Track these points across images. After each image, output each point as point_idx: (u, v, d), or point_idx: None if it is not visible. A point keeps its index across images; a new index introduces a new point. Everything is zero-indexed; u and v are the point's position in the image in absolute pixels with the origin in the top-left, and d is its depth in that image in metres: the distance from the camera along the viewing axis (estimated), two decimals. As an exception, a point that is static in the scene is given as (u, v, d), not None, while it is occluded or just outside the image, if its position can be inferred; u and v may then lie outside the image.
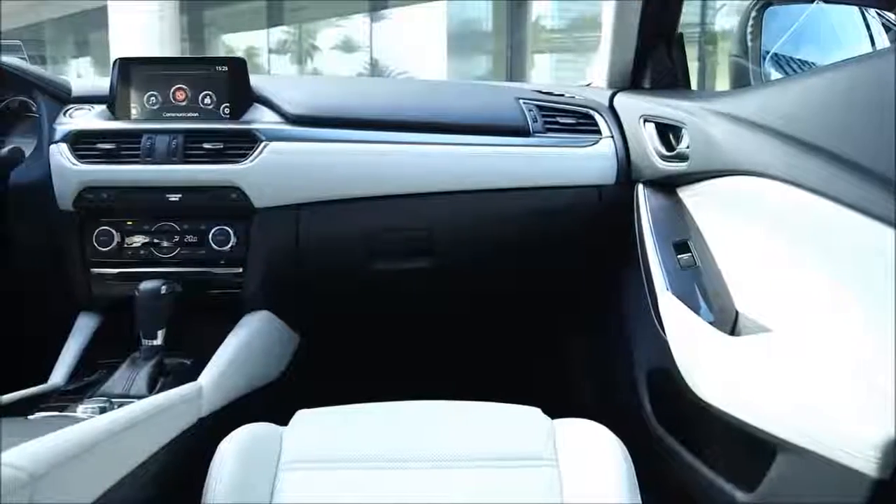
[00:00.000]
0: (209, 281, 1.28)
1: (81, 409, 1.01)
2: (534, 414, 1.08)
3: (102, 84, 1.37)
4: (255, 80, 1.33)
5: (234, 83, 1.32)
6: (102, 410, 1.00)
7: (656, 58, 1.35)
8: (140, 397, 1.08)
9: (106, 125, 1.28)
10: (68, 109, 1.33)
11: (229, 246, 1.27)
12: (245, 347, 1.23)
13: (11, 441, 0.74)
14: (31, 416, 0.99)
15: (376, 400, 1.08)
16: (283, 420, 1.04)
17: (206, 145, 1.25)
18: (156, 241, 1.27)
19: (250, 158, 1.24)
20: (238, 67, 1.32)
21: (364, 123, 1.29)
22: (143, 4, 5.31)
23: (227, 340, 1.22)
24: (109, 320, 1.30)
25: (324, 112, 1.30)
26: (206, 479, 0.92)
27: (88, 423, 0.82)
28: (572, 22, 10.14)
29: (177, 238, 1.27)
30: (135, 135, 1.26)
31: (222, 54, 9.31)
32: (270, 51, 9.53)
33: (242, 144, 1.25)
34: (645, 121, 1.26)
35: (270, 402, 1.27)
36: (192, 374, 1.15)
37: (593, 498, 0.90)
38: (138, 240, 1.27)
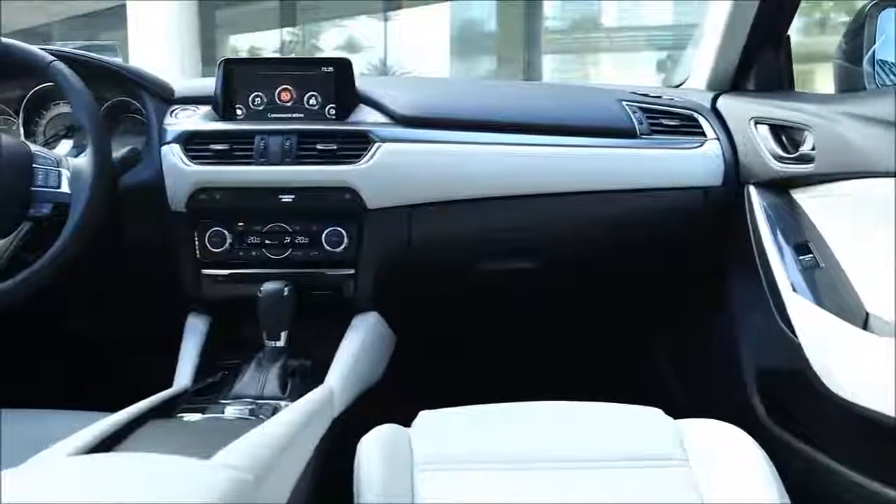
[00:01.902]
0: (321, 282, 1.28)
1: (230, 411, 1.01)
2: (656, 414, 1.08)
3: (204, 85, 1.37)
4: (359, 81, 1.34)
5: (339, 84, 1.32)
6: (252, 412, 1.01)
7: (763, 60, 1.36)
8: (275, 398, 1.08)
9: (218, 126, 1.28)
10: (174, 110, 1.32)
11: (342, 247, 1.26)
12: (361, 349, 1.23)
13: (208, 441, 0.74)
14: (186, 417, 0.99)
15: (479, 400, 1.09)
16: (389, 420, 1.04)
17: (319, 146, 1.24)
18: (267, 242, 1.27)
19: (364, 159, 1.24)
20: (344, 68, 1.32)
21: (473, 125, 1.30)
22: (163, 4, 5.30)
23: (344, 342, 1.22)
24: (218, 321, 1.30)
25: (433, 113, 1.30)
26: (355, 480, 0.92)
27: (274, 423, 0.82)
28: (573, 23, 10.20)
29: (288, 239, 1.27)
30: (248, 136, 1.25)
31: (228, 55, 9.31)
32: (283, 52, 9.53)
33: (356, 145, 1.25)
34: (756, 123, 1.26)
35: (378, 402, 1.28)
36: (316, 375, 1.16)
37: (739, 498, 0.91)
38: (250, 241, 1.27)
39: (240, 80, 1.32)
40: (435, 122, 1.29)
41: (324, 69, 1.32)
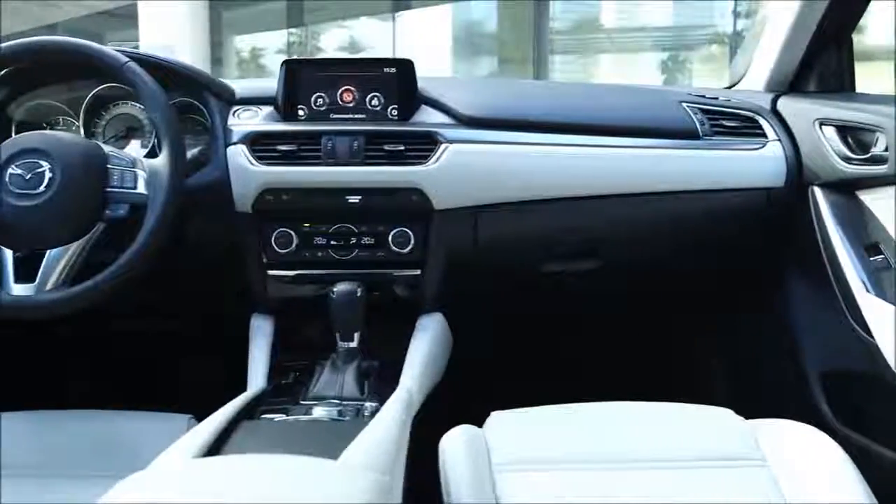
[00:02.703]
0: (388, 283, 1.28)
1: (319, 412, 1.01)
2: (727, 414, 1.09)
3: (263, 85, 1.37)
4: (420, 82, 1.34)
5: (402, 84, 1.32)
6: (340, 413, 1.01)
7: (826, 60, 1.36)
8: (356, 399, 1.08)
9: (285, 126, 1.28)
10: (236, 111, 1.32)
11: (409, 248, 1.26)
12: (431, 349, 1.23)
13: (320, 442, 0.74)
14: (277, 419, 0.99)
15: (541, 399, 1.09)
16: (455, 420, 1.04)
17: (387, 147, 1.24)
18: (333, 243, 1.27)
19: (432, 160, 1.24)
20: (406, 69, 1.32)
21: (538, 125, 1.30)
22: (173, 5, 5.29)
23: (414, 343, 1.23)
24: (282, 322, 1.30)
25: (498, 114, 1.30)
26: (443, 480, 0.93)
27: (381, 425, 0.82)
28: (574, 24, 10.19)
29: (354, 240, 1.27)
30: (315, 136, 1.25)
31: (233, 56, 9.29)
32: (291, 52, 9.52)
33: (423, 146, 1.25)
34: (822, 124, 1.27)
35: (442, 403, 1.28)
36: (389, 376, 1.16)
37: (823, 499, 0.91)
38: (316, 242, 1.27)
39: (301, 81, 1.32)
40: (500, 123, 1.29)
41: (386, 70, 1.32)
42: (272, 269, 1.28)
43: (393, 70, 1.32)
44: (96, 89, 1.34)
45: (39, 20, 7.20)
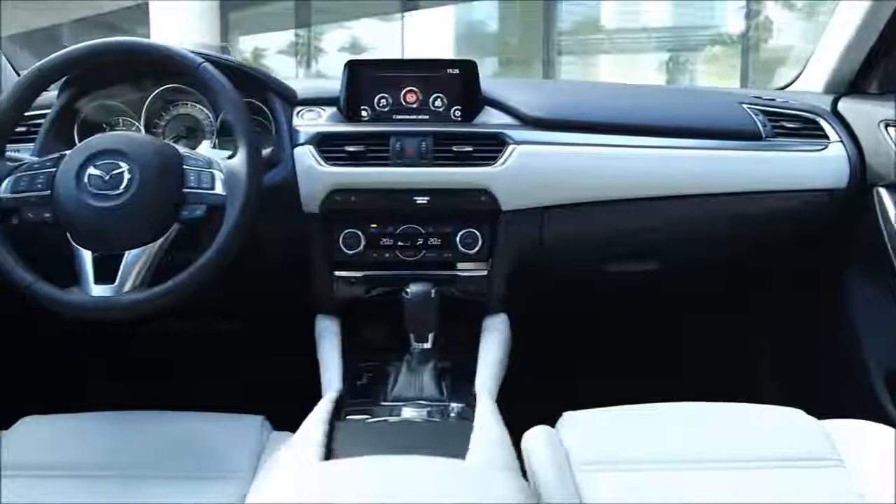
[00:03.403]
0: (454, 283, 1.28)
1: (408, 413, 1.01)
2: (798, 414, 1.09)
3: (324, 86, 1.37)
4: (483, 83, 1.34)
5: (465, 85, 1.32)
6: (430, 414, 1.01)
7: (889, 62, 1.37)
8: (437, 400, 1.08)
9: (353, 127, 1.28)
10: (299, 111, 1.32)
11: (476, 248, 1.26)
12: (500, 350, 1.23)
13: (434, 443, 0.74)
14: (368, 420, 0.99)
15: (599, 399, 1.09)
16: (524, 420, 1.04)
17: (454, 148, 1.24)
18: (399, 243, 1.27)
19: (500, 161, 1.24)
20: (469, 70, 1.32)
21: (604, 127, 1.30)
22: (183, 4, 5.28)
23: (484, 344, 1.23)
24: (347, 323, 1.30)
25: (563, 115, 1.30)
26: (530, 479, 0.93)
27: (488, 426, 0.82)
28: (575, 25, 10.20)
29: (420, 240, 1.27)
30: (383, 137, 1.25)
31: (237, 57, 9.25)
32: (297, 53, 9.51)
33: (491, 147, 1.25)
34: (887, 126, 1.28)
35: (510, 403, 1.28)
36: (461, 376, 1.16)
37: None
38: (383, 243, 1.27)
39: (364, 82, 1.32)
40: (565, 125, 1.29)
41: (449, 71, 1.32)
42: (339, 270, 1.28)
43: (456, 71, 1.32)
44: (158, 90, 1.34)
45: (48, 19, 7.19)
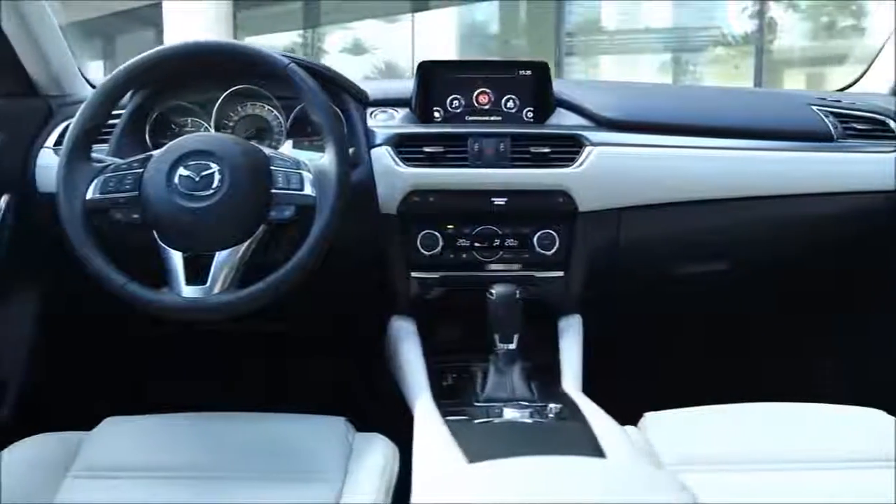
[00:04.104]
0: (531, 284, 1.28)
1: (511, 413, 1.01)
2: (879, 415, 1.10)
3: (394, 87, 1.38)
4: (555, 85, 1.34)
5: (537, 87, 1.32)
6: (532, 415, 1.01)
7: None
8: (529, 401, 1.08)
9: (431, 129, 1.28)
10: (372, 112, 1.32)
11: (554, 249, 1.27)
12: (580, 351, 1.24)
13: (558, 443, 0.74)
14: (478, 421, 0.99)
15: (673, 399, 1.10)
16: None
17: (532, 149, 1.25)
18: (476, 244, 1.27)
19: (578, 163, 1.24)
20: (542, 71, 1.32)
21: (677, 129, 1.31)
22: (196, 4, 5.27)
23: (565, 345, 1.24)
24: (421, 323, 1.30)
25: (637, 117, 1.30)
26: None
27: (598, 426, 0.82)
28: (575, 26, 10.20)
29: (497, 241, 1.27)
30: (461, 138, 1.25)
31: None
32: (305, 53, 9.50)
33: (568, 149, 1.25)
34: None
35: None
36: (545, 377, 1.16)
37: None
38: (459, 243, 1.27)
39: (437, 83, 1.33)
40: (641, 126, 1.29)
41: (521, 72, 1.33)
42: (416, 271, 1.28)
43: (528, 73, 1.33)
44: (229, 90, 1.34)
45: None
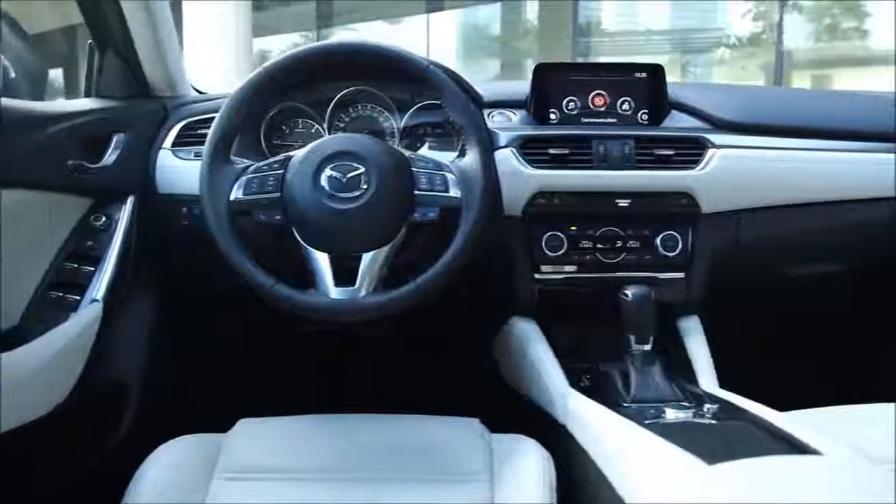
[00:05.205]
0: (654, 286, 1.28)
1: (674, 414, 1.02)
2: None
3: (507, 88, 1.38)
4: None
5: (652, 89, 1.33)
6: (696, 415, 1.01)
7: None
8: (677, 401, 1.09)
9: (555, 131, 1.29)
10: (490, 114, 1.33)
11: (677, 251, 1.27)
12: (708, 352, 1.24)
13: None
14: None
15: (790, 401, 1.10)
16: None
17: (657, 151, 1.25)
18: (599, 245, 1.27)
19: (702, 165, 1.25)
20: (657, 74, 1.33)
21: (796, 131, 1.31)
22: (216, 6, 5.25)
23: (694, 344, 1.25)
24: (541, 325, 1.30)
25: (758, 120, 1.31)
26: None
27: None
28: (577, 27, 10.22)
29: (619, 243, 1.28)
30: (585, 140, 1.26)
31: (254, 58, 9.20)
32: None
33: (691, 151, 1.26)
34: None
35: None
36: (682, 377, 1.17)
37: None
38: (582, 245, 1.27)
39: (553, 85, 1.33)
40: (761, 129, 1.30)
41: (637, 74, 1.33)
42: (540, 273, 1.28)
43: (644, 75, 1.33)
44: (343, 91, 1.34)
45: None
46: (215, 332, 1.47)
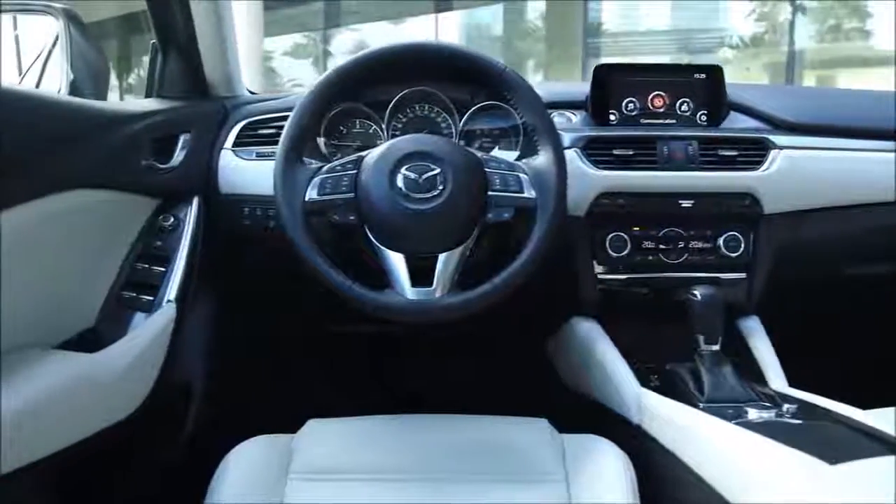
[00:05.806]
0: (717, 286, 1.28)
1: (765, 414, 1.02)
2: None
3: (565, 89, 1.38)
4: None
5: (711, 90, 1.34)
6: (778, 415, 1.02)
7: None
8: (751, 401, 1.09)
9: (618, 131, 1.29)
10: (551, 114, 1.32)
11: (740, 251, 1.28)
12: (773, 351, 1.25)
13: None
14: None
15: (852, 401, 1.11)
16: None
17: (720, 152, 1.26)
18: (662, 246, 1.28)
19: (765, 166, 1.26)
20: (716, 75, 1.34)
21: (856, 131, 1.32)
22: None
23: (757, 345, 1.26)
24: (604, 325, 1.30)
25: (820, 120, 1.32)
26: None
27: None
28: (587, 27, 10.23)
29: (682, 244, 1.28)
30: (649, 141, 1.26)
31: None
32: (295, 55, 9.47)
33: (754, 152, 1.27)
34: None
35: None
36: (750, 377, 1.17)
37: None
38: (645, 245, 1.28)
39: (612, 86, 1.34)
40: (823, 130, 1.31)
41: (696, 75, 1.34)
42: (603, 273, 1.28)
43: (703, 76, 1.34)
44: (405, 91, 1.33)
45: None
46: (273, 331, 1.47)
